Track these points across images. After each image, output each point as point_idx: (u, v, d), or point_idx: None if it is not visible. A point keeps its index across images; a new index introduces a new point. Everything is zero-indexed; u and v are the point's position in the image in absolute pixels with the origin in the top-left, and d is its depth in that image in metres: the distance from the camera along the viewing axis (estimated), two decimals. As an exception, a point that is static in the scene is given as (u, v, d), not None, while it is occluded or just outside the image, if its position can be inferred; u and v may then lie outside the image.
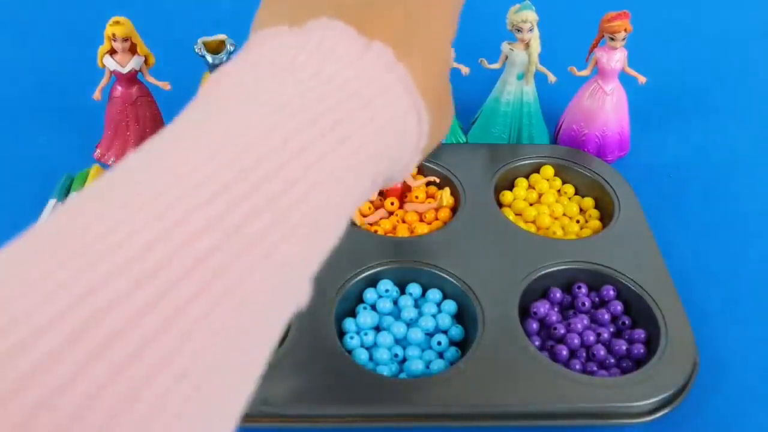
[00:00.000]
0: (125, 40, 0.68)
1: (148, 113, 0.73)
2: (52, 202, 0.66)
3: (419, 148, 0.29)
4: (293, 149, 0.22)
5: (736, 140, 0.81)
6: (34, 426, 0.15)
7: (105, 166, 0.73)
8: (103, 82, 0.70)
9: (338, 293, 0.57)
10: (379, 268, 0.60)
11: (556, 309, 0.59)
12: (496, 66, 0.74)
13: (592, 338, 0.56)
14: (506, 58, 0.73)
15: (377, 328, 0.58)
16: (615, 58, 0.71)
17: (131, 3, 0.75)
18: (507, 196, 0.70)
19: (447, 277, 0.59)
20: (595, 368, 0.55)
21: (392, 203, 0.68)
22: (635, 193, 0.69)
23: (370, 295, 0.59)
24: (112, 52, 0.69)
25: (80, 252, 0.18)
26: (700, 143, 0.80)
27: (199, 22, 0.90)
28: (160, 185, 0.20)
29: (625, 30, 0.70)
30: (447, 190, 0.67)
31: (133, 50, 0.69)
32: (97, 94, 0.70)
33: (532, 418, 0.51)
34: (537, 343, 0.57)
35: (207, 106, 0.24)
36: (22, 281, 0.17)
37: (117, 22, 0.67)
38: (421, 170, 0.71)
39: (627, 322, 0.58)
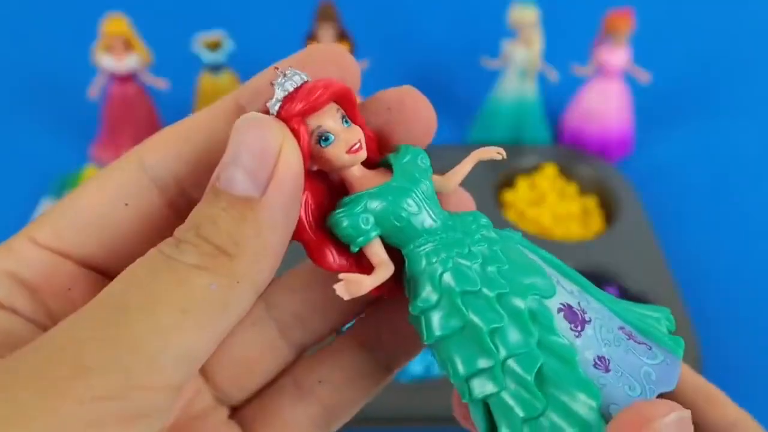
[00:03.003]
0: (121, 38, 0.67)
1: (143, 111, 0.72)
2: (45, 201, 0.65)
3: None
4: None
5: (741, 140, 0.80)
6: None
7: (100, 165, 0.72)
8: (99, 80, 0.69)
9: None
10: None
11: (557, 310, 0.59)
12: (497, 64, 0.74)
13: (594, 340, 0.56)
14: (508, 56, 0.72)
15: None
16: (618, 56, 0.71)
17: (128, 1, 0.74)
18: (508, 196, 0.69)
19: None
20: (597, 371, 0.55)
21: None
22: (638, 194, 0.68)
23: (369, 296, 0.58)
24: (108, 50, 0.68)
25: None
26: (704, 143, 0.80)
27: (196, 20, 0.89)
28: None
29: (629, 28, 0.69)
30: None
31: (129, 48, 0.68)
32: (92, 93, 0.69)
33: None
34: (539, 345, 0.56)
35: None
36: None
37: (113, 20, 0.66)
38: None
39: (630, 323, 0.58)
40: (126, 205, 0.20)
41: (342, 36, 0.70)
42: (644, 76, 0.72)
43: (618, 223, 0.65)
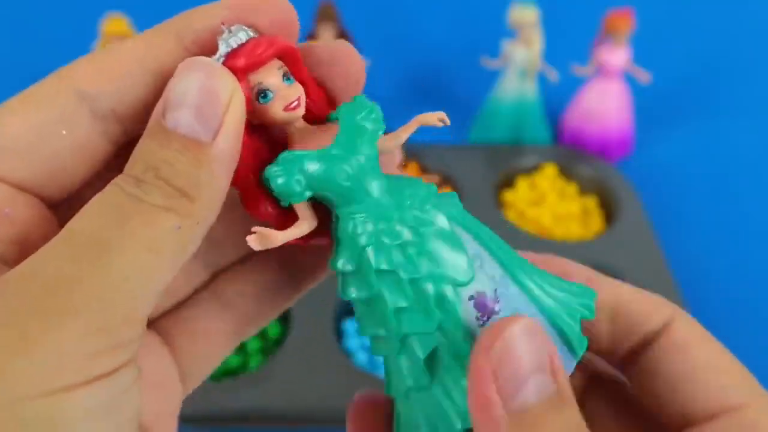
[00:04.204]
0: (121, 38, 0.67)
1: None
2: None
3: None
4: None
5: (741, 140, 0.80)
6: None
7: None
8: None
9: (338, 294, 0.57)
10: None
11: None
12: (497, 64, 0.74)
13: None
14: (508, 56, 0.72)
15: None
16: (618, 56, 0.71)
17: (128, 1, 0.74)
18: (508, 196, 0.69)
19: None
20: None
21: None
22: (638, 194, 0.68)
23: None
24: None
25: None
26: (704, 143, 0.80)
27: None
28: None
29: (629, 28, 0.69)
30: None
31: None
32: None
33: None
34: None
35: None
36: None
37: (113, 20, 0.66)
38: (422, 170, 0.70)
39: (630, 323, 0.58)
40: (64, 133, 0.20)
41: (342, 36, 0.70)
42: (644, 76, 0.72)
43: (618, 223, 0.65)
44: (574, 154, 0.73)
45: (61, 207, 0.21)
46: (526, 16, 0.69)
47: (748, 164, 0.77)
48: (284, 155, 0.20)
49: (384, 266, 0.20)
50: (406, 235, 0.20)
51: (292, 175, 0.20)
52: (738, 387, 0.22)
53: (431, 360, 0.20)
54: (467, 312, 0.20)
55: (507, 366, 0.18)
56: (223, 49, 0.19)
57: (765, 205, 0.72)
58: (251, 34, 0.20)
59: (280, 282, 0.25)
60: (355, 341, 0.55)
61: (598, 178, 0.70)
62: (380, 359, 0.54)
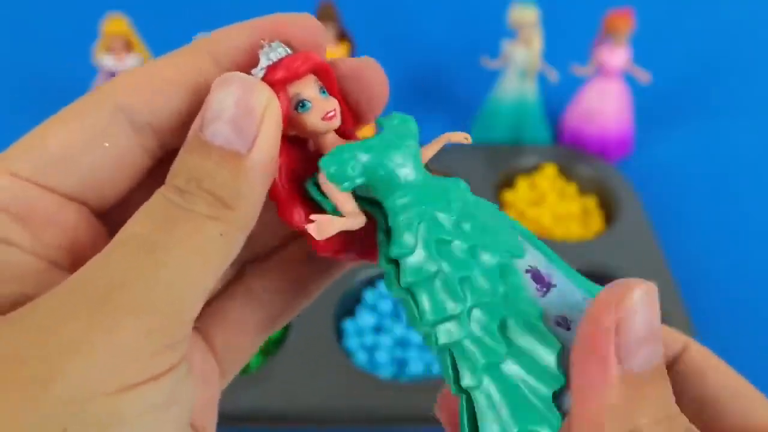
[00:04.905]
0: (121, 37, 0.67)
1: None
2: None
3: None
4: None
5: (741, 140, 0.80)
6: None
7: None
8: (99, 80, 0.69)
9: (338, 294, 0.57)
10: (379, 268, 0.59)
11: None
12: (497, 64, 0.74)
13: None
14: (508, 56, 0.72)
15: (377, 329, 0.57)
16: (618, 56, 0.71)
17: (128, 1, 0.74)
18: (508, 196, 0.69)
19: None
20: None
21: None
22: (638, 194, 0.68)
23: (369, 295, 0.58)
24: (108, 50, 0.68)
25: None
26: (704, 143, 0.80)
27: (197, 20, 0.89)
28: None
29: (629, 28, 0.69)
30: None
31: (129, 48, 0.68)
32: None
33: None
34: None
35: None
36: None
37: (113, 20, 0.67)
38: (421, 170, 0.70)
39: (630, 323, 0.58)
40: (106, 145, 0.21)
41: (342, 36, 0.70)
42: (644, 76, 0.72)
43: (618, 223, 0.65)
44: (573, 154, 0.73)
45: (107, 216, 0.22)
46: (526, 16, 0.69)
47: (748, 164, 0.77)
48: (337, 147, 0.21)
49: (442, 236, 0.20)
50: (460, 210, 0.21)
51: (346, 161, 0.20)
52: (760, 410, 0.22)
53: (502, 331, 0.20)
54: (527, 283, 0.20)
55: (627, 327, 0.18)
56: (263, 62, 0.20)
57: (765, 205, 0.72)
58: (288, 51, 0.21)
59: (307, 274, 0.26)
60: (355, 341, 0.55)
61: (597, 178, 0.70)
62: (384, 361, 0.54)
